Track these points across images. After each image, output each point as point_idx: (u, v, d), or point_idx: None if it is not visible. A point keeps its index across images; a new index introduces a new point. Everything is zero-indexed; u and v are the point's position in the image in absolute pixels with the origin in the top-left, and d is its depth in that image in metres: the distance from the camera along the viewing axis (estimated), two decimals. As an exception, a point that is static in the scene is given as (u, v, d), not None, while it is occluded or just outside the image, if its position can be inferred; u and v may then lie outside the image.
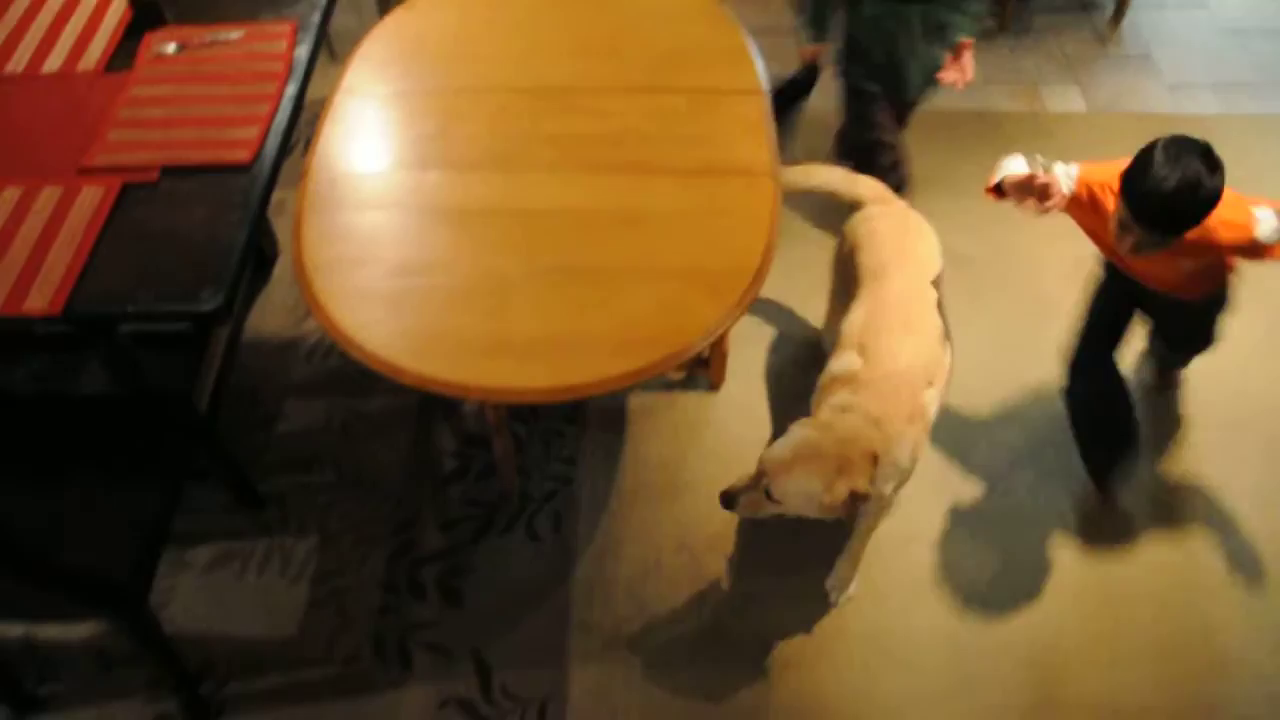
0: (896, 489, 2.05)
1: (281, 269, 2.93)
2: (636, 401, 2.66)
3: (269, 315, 2.84)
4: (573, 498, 2.48)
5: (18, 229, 1.86)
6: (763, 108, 2.21)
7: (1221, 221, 1.94)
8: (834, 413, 1.96)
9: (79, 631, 2.26)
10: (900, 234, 2.24)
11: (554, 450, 2.57)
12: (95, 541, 1.87)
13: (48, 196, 1.92)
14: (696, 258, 1.94)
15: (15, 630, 2.22)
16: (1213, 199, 1.85)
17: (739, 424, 2.61)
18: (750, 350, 2.74)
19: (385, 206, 2.02)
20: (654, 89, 2.25)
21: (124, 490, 1.95)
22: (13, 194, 1.92)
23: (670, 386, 2.69)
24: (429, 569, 2.36)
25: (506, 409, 2.34)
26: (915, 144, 2.83)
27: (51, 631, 2.25)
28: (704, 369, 2.66)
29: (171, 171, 1.97)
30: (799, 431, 1.90)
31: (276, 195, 2.19)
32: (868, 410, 1.94)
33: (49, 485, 1.96)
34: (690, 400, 2.67)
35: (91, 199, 1.91)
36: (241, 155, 1.98)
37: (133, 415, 2.09)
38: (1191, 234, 1.92)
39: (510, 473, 2.45)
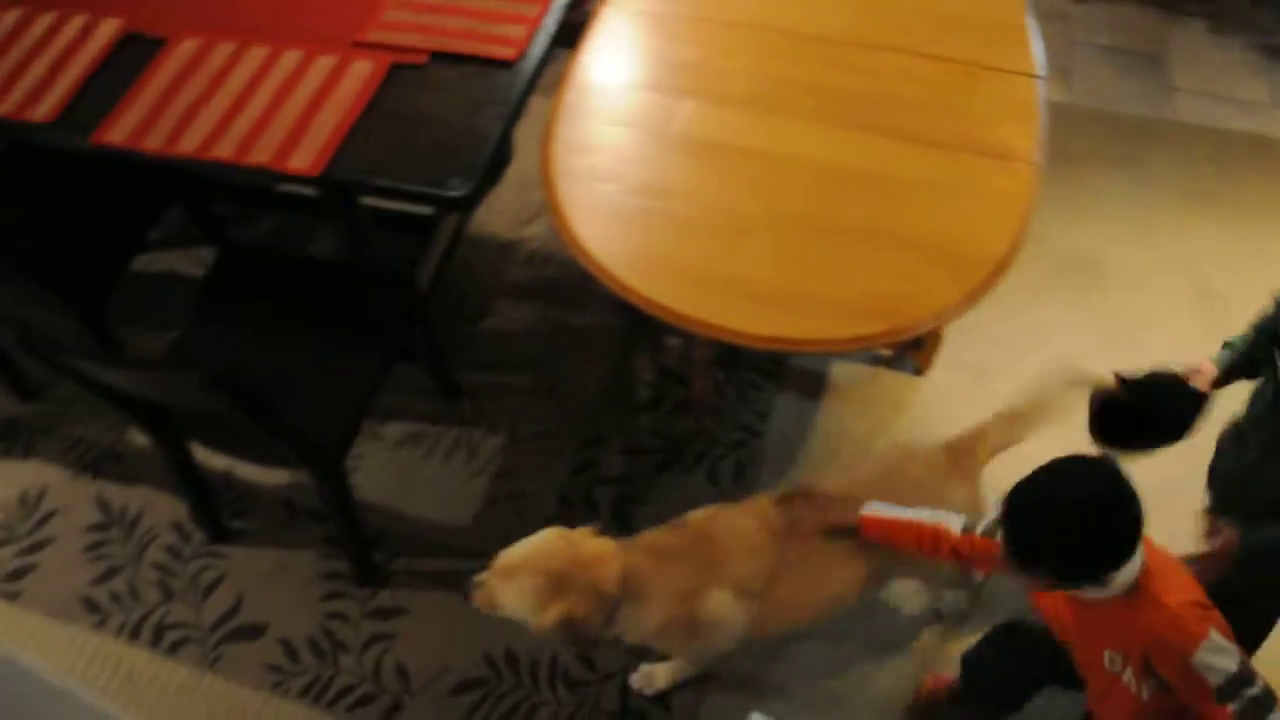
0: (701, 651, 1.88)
1: (512, 172, 2.97)
2: (839, 370, 2.59)
3: (494, 216, 2.89)
4: (759, 451, 2.45)
5: (292, 91, 1.94)
6: (1035, 92, 2.08)
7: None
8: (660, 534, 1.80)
9: (273, 478, 2.38)
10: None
11: (749, 401, 2.53)
12: (309, 399, 1.96)
13: (323, 64, 1.98)
14: (941, 235, 1.86)
15: (219, 463, 2.34)
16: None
17: (936, 414, 2.51)
18: (963, 341, 2.62)
19: (636, 126, 2.01)
20: (925, 54, 2.15)
21: (341, 356, 2.04)
22: (293, 57, 2.00)
23: (876, 361, 2.61)
24: (606, 490, 2.38)
25: (712, 350, 2.32)
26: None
27: (249, 472, 2.38)
28: (914, 350, 2.57)
29: (439, 57, 2.00)
30: (542, 537, 1.70)
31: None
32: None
33: (275, 338, 2.06)
34: (893, 380, 2.58)
35: (361, 72, 1.96)
36: (508, 52, 1.99)
37: (357, 287, 2.16)
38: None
39: (706, 412, 2.44)
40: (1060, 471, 1.38)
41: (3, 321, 2.09)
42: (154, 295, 2.70)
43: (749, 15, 2.22)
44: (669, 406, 2.53)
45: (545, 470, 2.41)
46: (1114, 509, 1.33)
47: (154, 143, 1.88)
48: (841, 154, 1.97)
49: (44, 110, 1.96)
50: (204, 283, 2.18)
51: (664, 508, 2.33)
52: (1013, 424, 1.85)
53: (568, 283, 2.71)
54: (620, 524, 2.32)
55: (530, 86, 1.97)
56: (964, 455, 1.84)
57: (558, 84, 2.08)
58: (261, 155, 1.84)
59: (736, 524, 1.79)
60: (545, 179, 1.90)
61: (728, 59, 2.14)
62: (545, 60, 2.04)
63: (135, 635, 2.19)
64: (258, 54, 2.01)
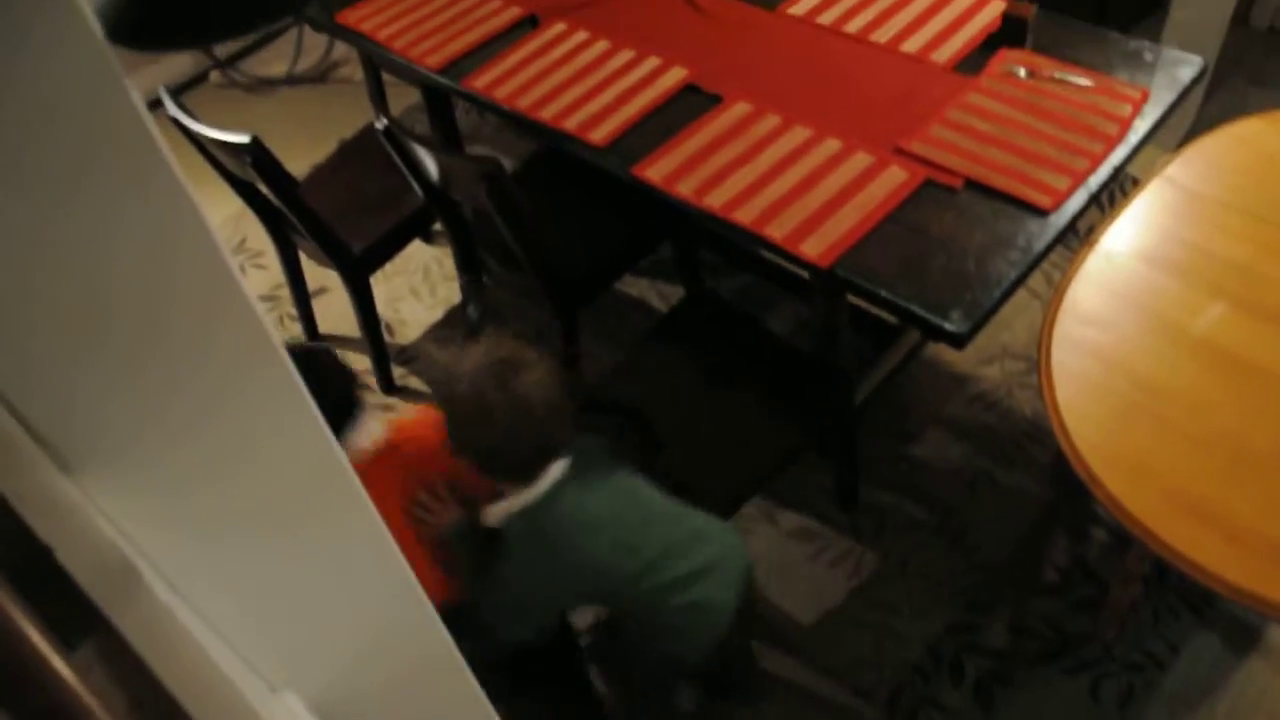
0: None
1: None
2: (1276, 631, 2.28)
3: (954, 343, 2.82)
4: (1156, 683, 2.20)
5: (823, 178, 1.98)
6: None
7: None
8: None
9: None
10: None
11: (1163, 627, 2.29)
12: (715, 455, 2.03)
13: (859, 160, 2.01)
14: None
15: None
16: None
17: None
18: None
19: (1152, 313, 1.87)
20: None
21: (759, 424, 2.09)
22: (833, 145, 2.04)
23: (1328, 635, 2.27)
24: (977, 659, 2.23)
25: (1149, 563, 2.11)
26: None
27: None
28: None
29: (973, 185, 1.96)
30: None
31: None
32: None
33: (707, 386, 2.14)
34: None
35: (894, 179, 1.97)
36: (1045, 200, 1.92)
37: (800, 367, 2.18)
38: None
39: (1114, 621, 2.23)
40: None
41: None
42: (621, 315, 2.88)
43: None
44: (1074, 598, 2.33)
45: (923, 615, 2.30)
46: None
47: (685, 189, 1.99)
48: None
49: (600, 134, 2.14)
50: (665, 316, 2.29)
51: (1033, 700, 2.16)
52: None
53: (1007, 435, 2.58)
54: (981, 702, 2.17)
55: (1058, 241, 1.89)
56: None
57: (1082, 241, 1.98)
58: (778, 231, 1.88)
59: None
60: (1043, 341, 1.81)
61: (1277, 268, 1.94)
62: (1079, 215, 1.95)
63: None
64: (800, 133, 2.08)
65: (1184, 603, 2.32)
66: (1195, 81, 2.27)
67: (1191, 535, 1.59)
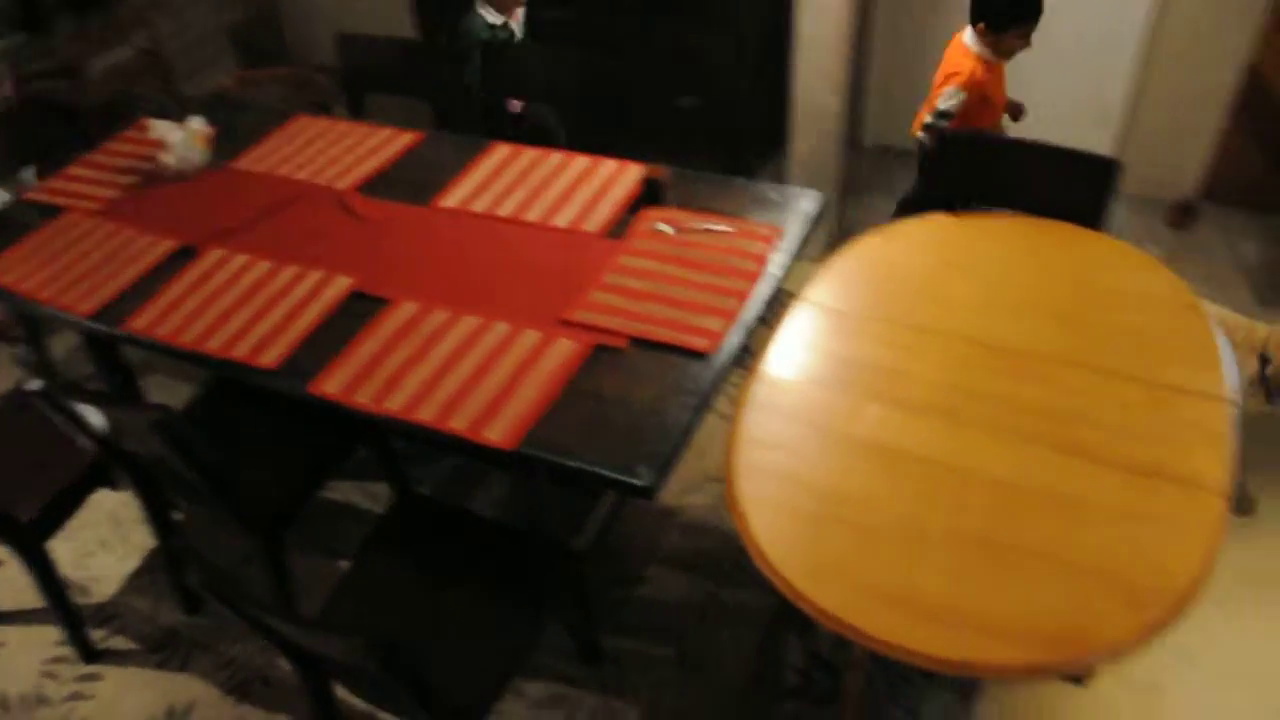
0: None
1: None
2: (998, 677, 2.49)
3: (658, 479, 2.93)
4: (905, 755, 2.33)
5: (496, 362, 2.05)
6: (1226, 418, 2.04)
7: None
8: None
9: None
10: None
11: (900, 696, 2.43)
12: (461, 658, 1.98)
13: (529, 338, 2.10)
14: (1122, 564, 1.79)
15: (360, 705, 2.35)
16: None
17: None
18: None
19: (820, 426, 2.04)
20: (1112, 372, 2.14)
21: (499, 617, 2.06)
22: (502, 328, 2.13)
23: (1036, 669, 2.49)
24: (742, 782, 2.29)
25: (869, 650, 2.25)
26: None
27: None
28: (1081, 665, 2.44)
29: (639, 343, 2.09)
30: None
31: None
32: None
33: (436, 590, 2.11)
34: (1054, 687, 2.45)
35: (565, 350, 2.07)
36: (704, 343, 2.07)
37: (521, 547, 2.21)
38: None
39: (853, 712, 2.34)
40: None
41: (186, 556, 2.19)
42: (329, 522, 2.81)
43: (936, 320, 2.26)
44: (816, 694, 2.44)
45: (682, 754, 2.34)
46: None
47: (363, 398, 2.01)
48: (1023, 470, 1.95)
49: (271, 357, 2.13)
50: (377, 524, 2.26)
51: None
52: None
53: (725, 556, 2.70)
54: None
55: (722, 378, 2.04)
56: None
57: (748, 368, 2.14)
58: (460, 423, 1.93)
59: None
60: (728, 472, 1.93)
61: (916, 364, 2.17)
62: (740, 352, 2.11)
63: None
64: (470, 322, 2.15)
65: (914, 669, 2.47)
66: (819, 211, 2.54)
67: (890, 622, 1.72)
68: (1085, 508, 1.89)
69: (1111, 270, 2.43)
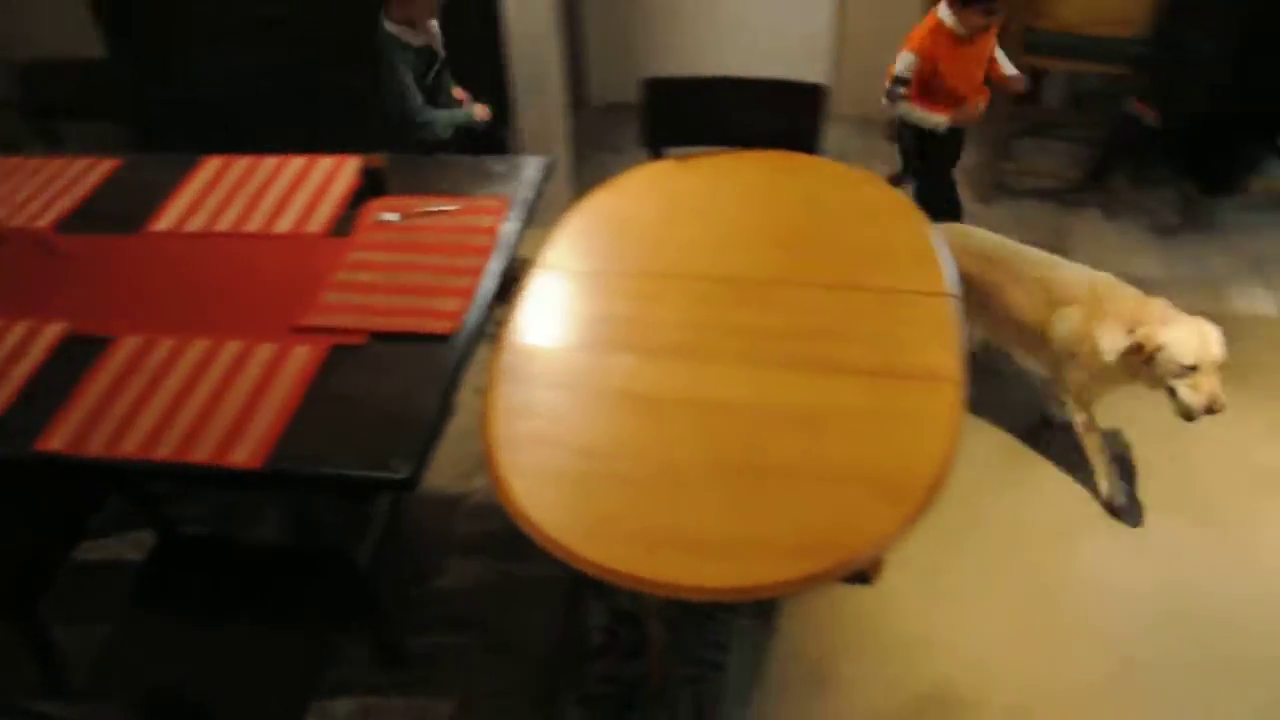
0: None
1: (451, 425, 2.99)
2: (790, 590, 2.60)
3: (436, 471, 2.90)
4: (721, 684, 2.41)
5: (232, 383, 1.97)
6: (950, 311, 2.18)
7: None
8: None
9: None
10: None
11: (707, 633, 2.51)
12: (249, 694, 1.91)
13: (263, 353, 2.03)
14: (874, 462, 1.90)
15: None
16: None
17: (895, 619, 2.52)
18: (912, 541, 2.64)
19: (574, 386, 2.06)
20: (846, 286, 2.26)
21: (280, 644, 2.00)
22: (234, 347, 2.05)
23: (829, 577, 2.61)
24: (567, 749, 2.32)
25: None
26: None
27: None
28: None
29: (379, 337, 2.05)
30: None
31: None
32: None
33: (211, 630, 2.03)
34: (844, 591, 2.59)
35: (301, 358, 2.01)
36: (444, 326, 2.06)
37: (296, 567, 2.14)
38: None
39: (659, 658, 2.40)
40: None
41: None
42: (93, 584, 2.64)
43: (673, 265, 2.32)
44: (623, 649, 2.49)
45: (504, 733, 2.34)
46: None
47: (95, 446, 1.89)
48: (773, 393, 2.03)
49: (-18, 420, 1.97)
50: (138, 574, 2.14)
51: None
52: None
53: (514, 533, 2.67)
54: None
55: (466, 358, 2.03)
56: None
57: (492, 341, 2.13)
58: (202, 453, 1.84)
59: None
60: (487, 447, 1.92)
61: (658, 309, 2.22)
62: (481, 328, 2.10)
63: None
64: (200, 346, 2.06)
65: (714, 605, 2.55)
66: (546, 175, 2.55)
67: (669, 564, 1.76)
68: (833, 417, 1.98)
69: (835, 189, 2.57)
